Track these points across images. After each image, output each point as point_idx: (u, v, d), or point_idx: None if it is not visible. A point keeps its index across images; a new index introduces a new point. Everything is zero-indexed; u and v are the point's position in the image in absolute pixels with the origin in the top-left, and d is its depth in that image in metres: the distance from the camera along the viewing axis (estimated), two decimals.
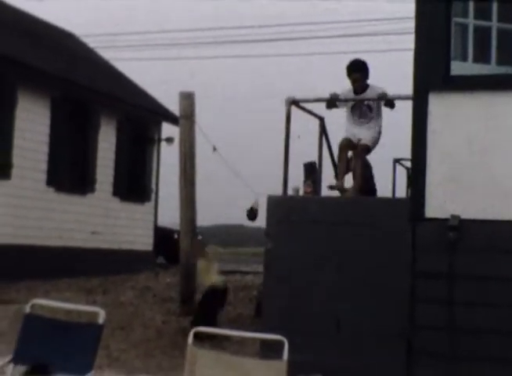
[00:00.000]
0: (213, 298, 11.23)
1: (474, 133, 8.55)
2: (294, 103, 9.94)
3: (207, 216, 25.05)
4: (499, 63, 8.72)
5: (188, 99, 12.38)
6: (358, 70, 10.35)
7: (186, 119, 12.30)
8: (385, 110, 10.53)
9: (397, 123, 10.86)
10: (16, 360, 6.24)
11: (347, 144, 10.22)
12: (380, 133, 10.39)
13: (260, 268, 10.93)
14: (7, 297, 13.36)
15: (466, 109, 8.62)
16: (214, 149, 13.69)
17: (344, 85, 10.47)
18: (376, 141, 10.35)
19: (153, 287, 15.36)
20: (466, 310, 8.36)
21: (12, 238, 16.49)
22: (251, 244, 49.65)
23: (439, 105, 8.71)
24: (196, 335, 6.00)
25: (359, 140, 10.17)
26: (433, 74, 8.75)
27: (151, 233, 22.24)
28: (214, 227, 61.64)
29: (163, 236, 23.25)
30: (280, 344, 5.80)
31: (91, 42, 24.96)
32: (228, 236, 64.32)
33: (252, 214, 11.44)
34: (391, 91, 10.19)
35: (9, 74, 16.71)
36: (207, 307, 11.09)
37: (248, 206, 11.60)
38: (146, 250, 21.67)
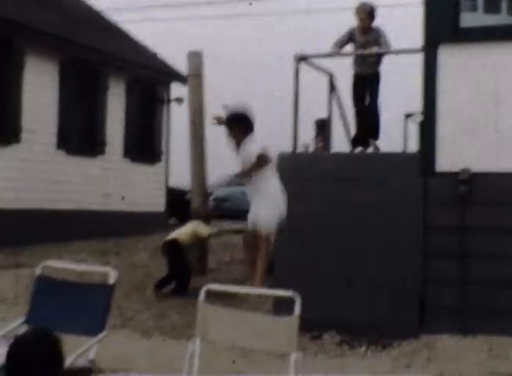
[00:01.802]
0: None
1: (485, 85, 8.47)
2: (303, 58, 9.84)
3: (218, 175, 24.93)
4: (510, 12, 8.61)
5: (196, 57, 12.28)
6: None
7: (195, 77, 12.22)
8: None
9: (407, 78, 10.76)
10: (28, 322, 6.28)
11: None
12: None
13: None
14: (21, 261, 13.40)
15: (477, 60, 8.53)
16: (224, 107, 13.59)
17: None
18: None
19: None
20: (478, 263, 8.35)
21: (24, 202, 16.50)
22: None
23: (449, 57, 8.63)
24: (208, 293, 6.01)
25: None
26: (442, 26, 8.66)
27: (163, 193, 22.20)
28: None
29: (175, 196, 23.23)
30: (292, 301, 5.79)
31: (98, 4, 24.77)
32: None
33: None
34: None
35: (16, 39, 16.59)
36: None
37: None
38: (158, 211, 21.66)
